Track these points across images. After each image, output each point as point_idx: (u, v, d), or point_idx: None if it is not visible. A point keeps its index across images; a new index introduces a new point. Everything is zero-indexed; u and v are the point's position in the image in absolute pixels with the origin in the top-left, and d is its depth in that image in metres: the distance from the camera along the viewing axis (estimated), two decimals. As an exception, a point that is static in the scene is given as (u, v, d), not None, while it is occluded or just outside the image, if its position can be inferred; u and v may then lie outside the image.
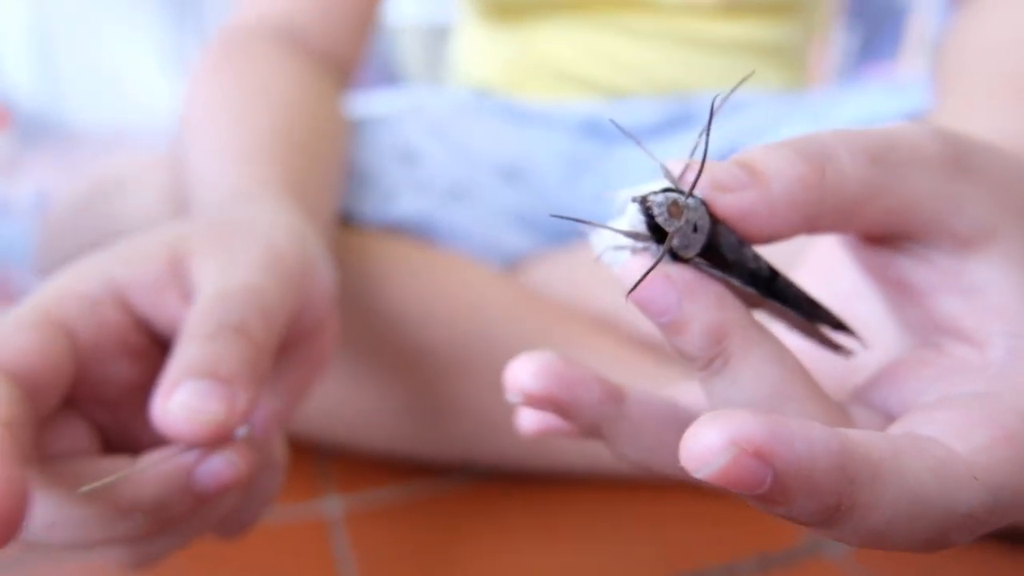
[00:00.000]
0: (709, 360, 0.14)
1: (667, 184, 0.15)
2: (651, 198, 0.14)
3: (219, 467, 0.19)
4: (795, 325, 0.19)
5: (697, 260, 0.15)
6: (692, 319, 0.14)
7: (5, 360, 0.18)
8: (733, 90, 0.16)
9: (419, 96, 0.84)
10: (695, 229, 0.14)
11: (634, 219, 0.15)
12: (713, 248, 0.15)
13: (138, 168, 0.41)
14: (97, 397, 0.22)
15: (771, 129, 0.42)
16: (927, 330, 0.17)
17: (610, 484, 0.40)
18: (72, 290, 0.21)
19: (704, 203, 0.15)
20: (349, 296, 0.37)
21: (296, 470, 0.41)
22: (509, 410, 0.38)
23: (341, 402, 0.38)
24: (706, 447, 0.11)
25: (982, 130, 0.19)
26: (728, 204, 0.15)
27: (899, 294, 0.17)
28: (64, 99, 2.25)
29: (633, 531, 0.37)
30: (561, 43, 0.52)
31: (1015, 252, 0.16)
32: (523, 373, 0.17)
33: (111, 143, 1.89)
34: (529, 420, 0.20)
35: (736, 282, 0.16)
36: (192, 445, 0.19)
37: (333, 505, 0.39)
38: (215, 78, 0.38)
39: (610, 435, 0.18)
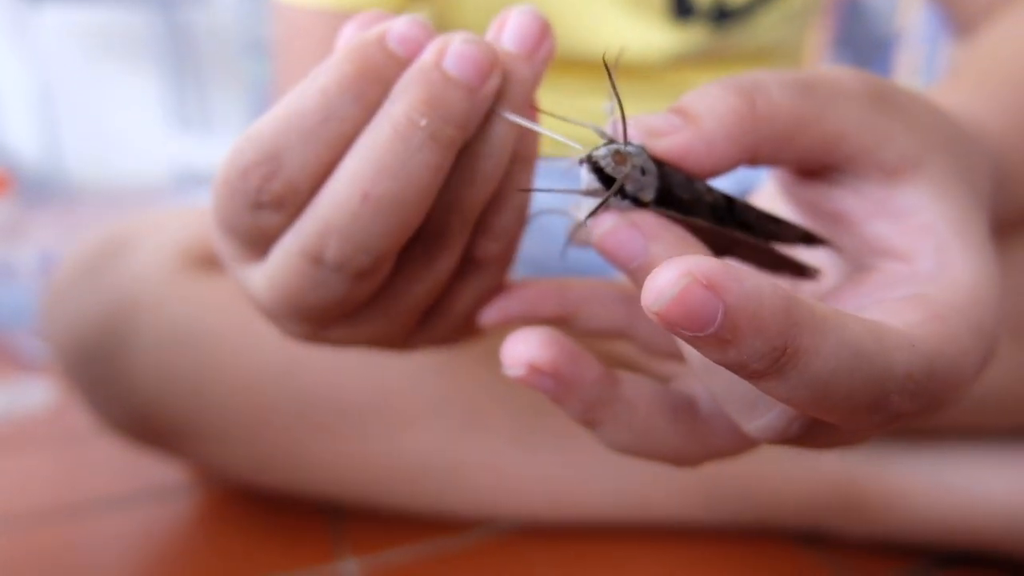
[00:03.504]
0: None
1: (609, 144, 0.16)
2: (594, 154, 0.16)
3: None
4: (761, 262, 0.20)
5: (656, 207, 0.16)
6: (657, 259, 0.15)
7: None
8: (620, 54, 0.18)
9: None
10: (643, 172, 0.16)
11: (589, 178, 0.16)
12: (667, 191, 0.17)
13: (144, 228, 0.40)
14: None
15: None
16: (862, 255, 0.18)
17: (637, 535, 0.39)
18: None
19: (645, 148, 0.16)
20: (358, 358, 0.36)
21: (309, 533, 0.40)
22: (528, 464, 0.37)
23: (354, 460, 0.37)
24: (663, 280, 0.11)
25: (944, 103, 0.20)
26: (665, 147, 0.16)
27: (834, 225, 0.19)
28: (67, 159, 2.27)
29: (662, 584, 0.36)
30: (544, 104, 0.52)
31: (938, 180, 0.17)
32: (528, 344, 0.17)
33: (114, 202, 1.90)
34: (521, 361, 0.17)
35: (701, 222, 0.17)
36: None
37: (350, 568, 0.37)
38: None
39: (604, 419, 0.18)
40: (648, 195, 0.16)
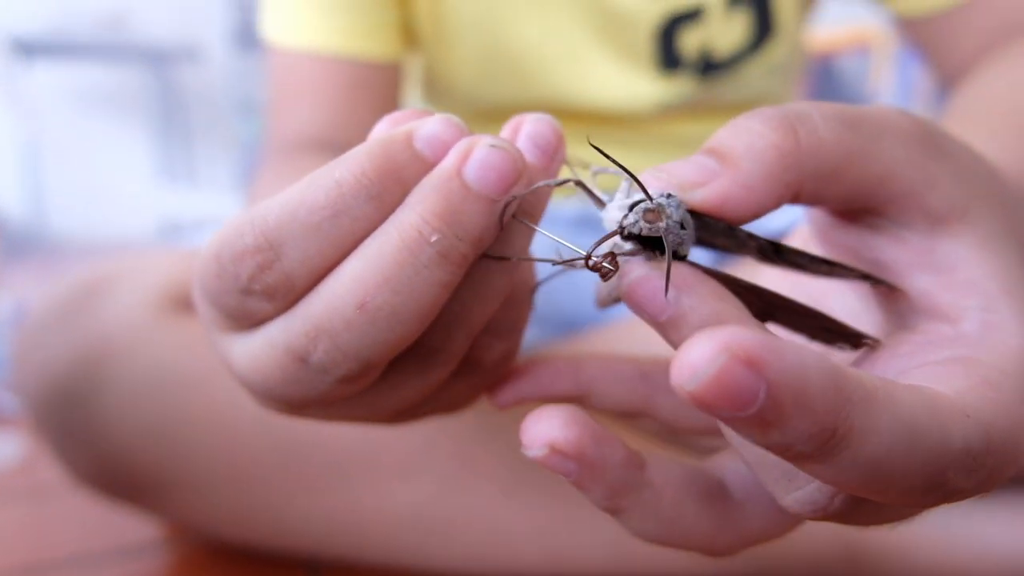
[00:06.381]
0: None
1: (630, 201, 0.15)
2: (625, 223, 0.15)
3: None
4: (807, 329, 0.18)
5: (692, 261, 0.15)
6: (690, 312, 0.14)
7: None
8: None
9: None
10: (682, 226, 0.15)
11: (619, 243, 0.15)
12: (707, 242, 0.16)
13: (122, 271, 0.39)
14: None
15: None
16: (902, 311, 0.17)
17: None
18: None
19: (681, 201, 0.15)
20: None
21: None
22: (523, 518, 0.36)
23: (341, 512, 0.36)
24: (697, 356, 0.10)
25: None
26: (702, 199, 0.15)
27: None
28: (51, 213, 2.26)
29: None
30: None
31: (985, 232, 0.16)
32: (550, 423, 0.15)
33: (97, 256, 1.89)
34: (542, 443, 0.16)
35: (742, 280, 0.16)
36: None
37: (331, 629, 0.35)
38: (274, 188, 0.40)
39: (629, 505, 0.16)
40: (686, 249, 0.15)
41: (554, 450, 0.15)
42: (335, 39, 0.45)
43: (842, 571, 0.36)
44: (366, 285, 0.15)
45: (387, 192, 0.15)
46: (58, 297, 0.39)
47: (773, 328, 0.18)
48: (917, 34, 0.46)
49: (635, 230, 0.14)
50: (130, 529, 0.44)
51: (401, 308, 0.15)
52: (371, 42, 0.45)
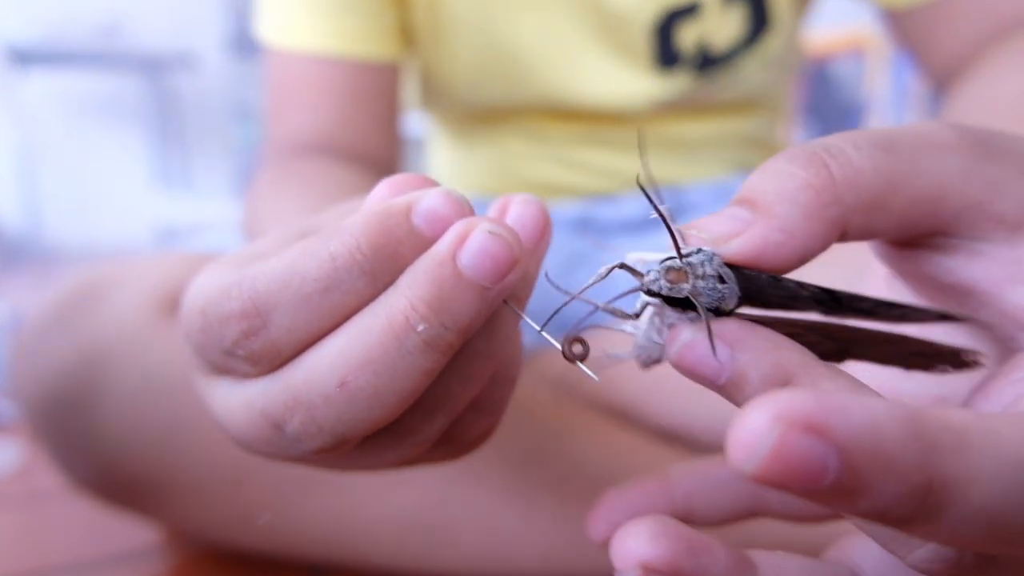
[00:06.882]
0: None
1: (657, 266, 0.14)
2: (645, 280, 0.14)
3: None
4: (895, 358, 0.17)
5: (740, 313, 0.14)
6: (748, 369, 0.13)
7: None
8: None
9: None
10: (722, 280, 0.14)
11: (651, 312, 0.14)
12: (753, 295, 0.14)
13: (120, 274, 0.39)
14: None
15: None
16: (1005, 331, 0.15)
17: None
18: None
19: (717, 254, 0.14)
20: None
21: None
22: (526, 520, 0.36)
23: (341, 515, 0.36)
24: (750, 432, 0.09)
25: None
26: (739, 251, 0.14)
27: (962, 300, 0.16)
28: (47, 218, 2.26)
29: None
30: (534, 157, 0.53)
31: None
32: (636, 540, 0.14)
33: (92, 260, 1.88)
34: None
35: (799, 319, 0.15)
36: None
37: (332, 633, 0.35)
38: (272, 191, 0.40)
39: None
40: (730, 304, 0.14)
41: (647, 569, 0.14)
42: (333, 41, 0.45)
43: None
44: (349, 364, 0.15)
45: (381, 269, 0.15)
46: (54, 302, 0.38)
47: (854, 367, 0.16)
48: (904, 29, 0.46)
49: (655, 288, 0.13)
50: (129, 535, 0.43)
51: (382, 390, 0.15)
52: (369, 44, 0.45)
